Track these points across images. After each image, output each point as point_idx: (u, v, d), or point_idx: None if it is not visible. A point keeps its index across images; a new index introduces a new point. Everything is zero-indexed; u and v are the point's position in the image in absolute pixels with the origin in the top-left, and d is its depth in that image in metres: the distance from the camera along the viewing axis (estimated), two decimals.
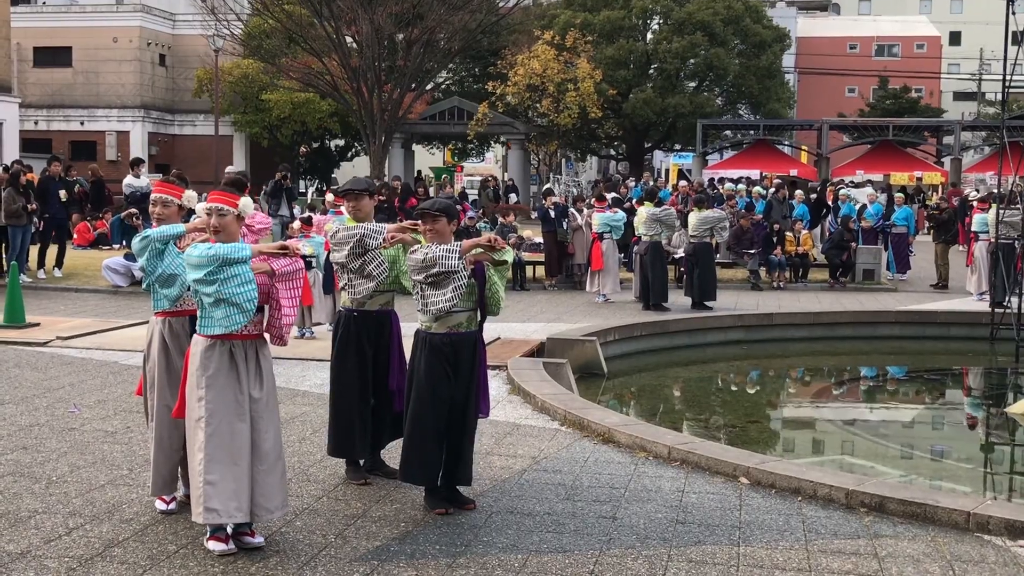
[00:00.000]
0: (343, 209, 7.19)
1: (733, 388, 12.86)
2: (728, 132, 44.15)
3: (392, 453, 6.83)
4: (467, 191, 38.22)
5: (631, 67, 43.84)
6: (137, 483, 6.45)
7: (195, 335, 5.47)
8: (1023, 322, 13.46)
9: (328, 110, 41.62)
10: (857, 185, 31.19)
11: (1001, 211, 15.74)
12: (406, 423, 6.13)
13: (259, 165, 43.70)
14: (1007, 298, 14.51)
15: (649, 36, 45.66)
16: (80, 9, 45.44)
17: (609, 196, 19.72)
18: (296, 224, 12.74)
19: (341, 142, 50.10)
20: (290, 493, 5.99)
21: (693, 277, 16.30)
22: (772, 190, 24.25)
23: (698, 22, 42.57)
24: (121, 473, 6.70)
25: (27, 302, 13.23)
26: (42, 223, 17.90)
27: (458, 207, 8.26)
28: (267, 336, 5.59)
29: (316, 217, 12.48)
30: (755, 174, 34.15)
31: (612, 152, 53.03)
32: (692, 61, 44.05)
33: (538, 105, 39.53)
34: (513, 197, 35.60)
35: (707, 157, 42.63)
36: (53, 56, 44.68)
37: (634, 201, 20.27)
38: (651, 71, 44.81)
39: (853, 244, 20.25)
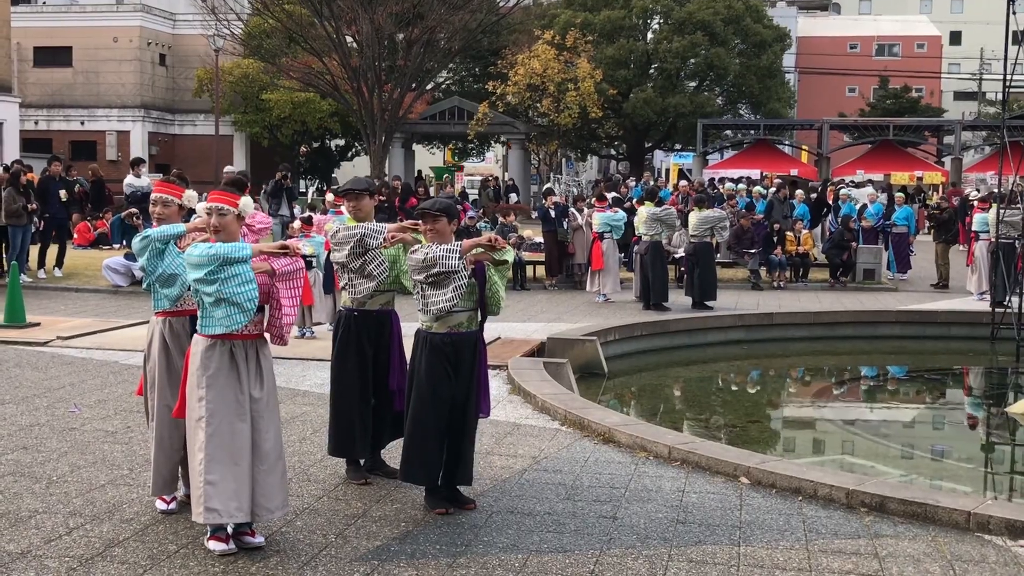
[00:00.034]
0: (343, 209, 7.18)
1: (733, 388, 12.86)
2: (728, 132, 44.14)
3: (392, 453, 6.83)
4: (467, 191, 38.27)
5: (631, 67, 43.84)
6: (137, 483, 6.45)
7: (195, 335, 5.47)
8: (1023, 322, 13.46)
9: (328, 110, 41.62)
10: (858, 185, 31.14)
11: (1001, 211, 15.74)
12: (407, 423, 6.13)
13: (259, 165, 43.72)
14: (1007, 298, 14.51)
15: (649, 36, 45.67)
16: (80, 9, 45.45)
17: (609, 196, 19.74)
18: (296, 224, 12.74)
19: (341, 142, 50.09)
20: (290, 493, 5.99)
21: (693, 277, 16.30)
22: (773, 190, 24.25)
23: (698, 22, 42.57)
24: (121, 473, 6.70)
25: (27, 302, 13.23)
26: (42, 223, 17.90)
27: (458, 207, 8.26)
28: (267, 336, 5.59)
29: (316, 217, 12.48)
30: (755, 174, 34.14)
31: (612, 152, 53.03)
32: (692, 61, 44.06)
33: (538, 105, 39.53)
34: (513, 197, 35.62)
35: (707, 157, 42.63)
36: (53, 56, 44.69)
37: (634, 201, 20.27)
38: (651, 71, 44.82)
39: (853, 244, 20.24)
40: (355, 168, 50.87)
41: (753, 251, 19.89)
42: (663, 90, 43.15)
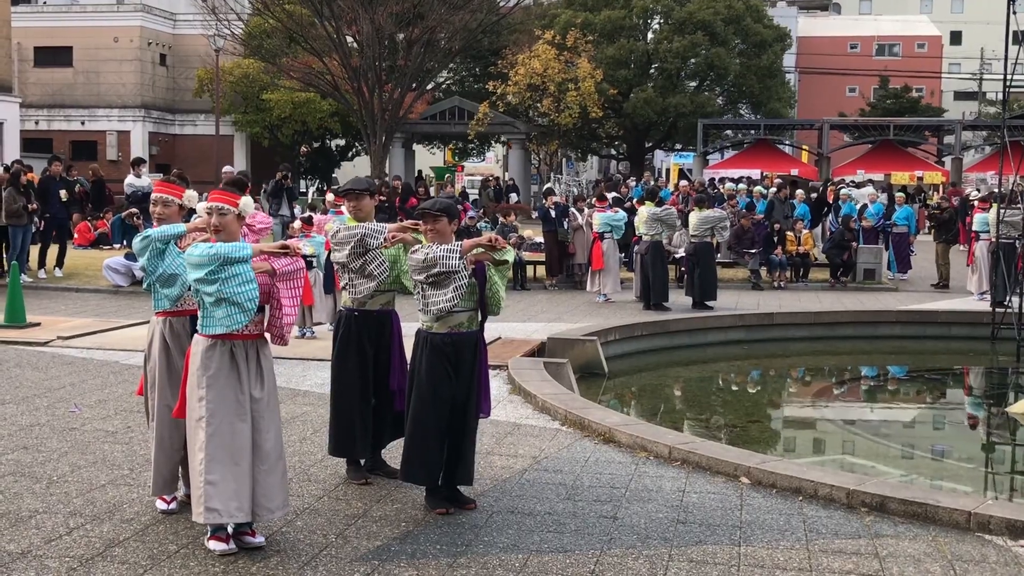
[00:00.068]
0: (344, 209, 7.18)
1: (734, 388, 12.86)
2: (729, 132, 44.15)
3: (393, 453, 6.83)
4: (468, 191, 38.30)
5: (632, 67, 43.85)
6: (138, 483, 6.45)
7: (196, 335, 5.47)
8: (1023, 322, 13.45)
9: (329, 110, 41.62)
10: (858, 185, 31.14)
11: (1002, 210, 15.74)
12: (407, 423, 6.13)
13: (260, 165, 43.73)
14: (1008, 298, 14.50)
15: (650, 36, 45.67)
16: (81, 9, 45.46)
17: (610, 196, 19.74)
18: (297, 224, 12.74)
19: (342, 142, 50.10)
20: (291, 493, 5.99)
21: (694, 277, 16.29)
22: (773, 190, 24.24)
23: (699, 22, 42.57)
24: (122, 473, 6.70)
25: (28, 302, 13.23)
26: (43, 223, 17.91)
27: (459, 207, 8.25)
28: (268, 336, 5.59)
29: (317, 217, 12.48)
30: (756, 174, 34.15)
31: (613, 152, 53.04)
32: (693, 61, 44.06)
33: (539, 105, 39.55)
34: (514, 197, 35.62)
35: (708, 157, 42.63)
36: (54, 56, 44.70)
37: (635, 201, 20.27)
38: (652, 71, 44.82)
39: (854, 244, 20.24)
40: (355, 168, 50.88)
41: (753, 251, 19.89)
42: (663, 90, 43.16)
